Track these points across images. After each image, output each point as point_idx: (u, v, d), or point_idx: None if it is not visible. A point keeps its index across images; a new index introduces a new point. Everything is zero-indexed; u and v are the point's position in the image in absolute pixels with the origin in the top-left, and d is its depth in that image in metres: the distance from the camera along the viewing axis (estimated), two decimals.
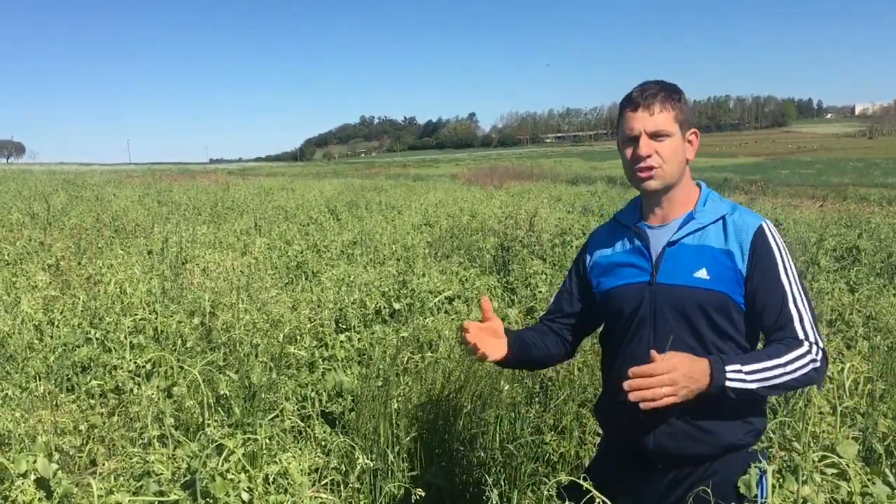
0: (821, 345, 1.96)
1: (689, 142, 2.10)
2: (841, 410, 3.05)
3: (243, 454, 2.40)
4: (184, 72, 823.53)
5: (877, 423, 3.44)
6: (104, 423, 3.37)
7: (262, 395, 3.82)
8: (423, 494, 3.15)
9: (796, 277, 2.02)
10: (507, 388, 3.92)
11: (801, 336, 1.95)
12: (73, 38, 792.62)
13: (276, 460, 2.52)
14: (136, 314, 4.93)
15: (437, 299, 5.98)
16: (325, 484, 2.93)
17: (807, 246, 9.93)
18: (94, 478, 2.28)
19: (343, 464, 3.26)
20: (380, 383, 3.71)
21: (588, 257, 2.33)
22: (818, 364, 1.93)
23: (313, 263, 8.37)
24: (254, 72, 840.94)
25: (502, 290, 7.04)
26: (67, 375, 4.20)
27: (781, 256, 2.01)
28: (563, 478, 2.11)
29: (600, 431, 2.71)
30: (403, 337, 4.73)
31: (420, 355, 4.42)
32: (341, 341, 4.76)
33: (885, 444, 3.31)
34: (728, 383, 1.82)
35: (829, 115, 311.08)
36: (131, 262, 7.38)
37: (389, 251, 9.47)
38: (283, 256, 8.81)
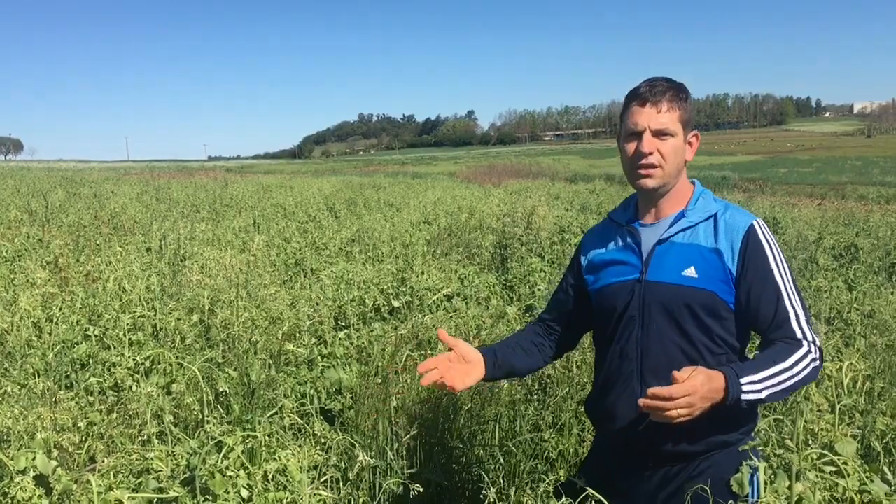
0: (816, 342, 1.98)
1: (690, 143, 2.09)
2: (839, 408, 3.05)
3: (242, 451, 2.40)
4: (182, 69, 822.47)
5: (875, 421, 3.45)
6: (103, 421, 3.37)
7: (262, 393, 3.82)
8: (422, 491, 3.16)
9: (789, 274, 2.02)
10: (505, 385, 3.92)
11: (800, 335, 1.95)
12: (71, 35, 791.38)
13: (276, 457, 2.52)
14: (134, 311, 4.93)
15: (435, 297, 5.98)
16: (325, 481, 2.93)
17: (805, 244, 9.94)
18: (94, 475, 2.28)
19: (342, 461, 3.26)
20: (379, 381, 3.71)
21: (583, 256, 2.33)
22: (817, 362, 1.95)
23: (312, 261, 8.37)
24: (252, 69, 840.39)
25: (501, 287, 7.04)
26: (66, 372, 4.19)
27: (773, 254, 2.00)
28: (561, 474, 2.12)
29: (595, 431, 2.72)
30: (402, 334, 4.73)
31: (419, 353, 4.42)
32: (340, 339, 4.77)
33: (884, 442, 3.32)
34: (743, 396, 1.83)
35: (827, 114, 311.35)
36: (130, 260, 7.38)
37: (388, 249, 9.47)
38: (281, 254, 8.80)
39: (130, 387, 3.65)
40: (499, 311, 5.61)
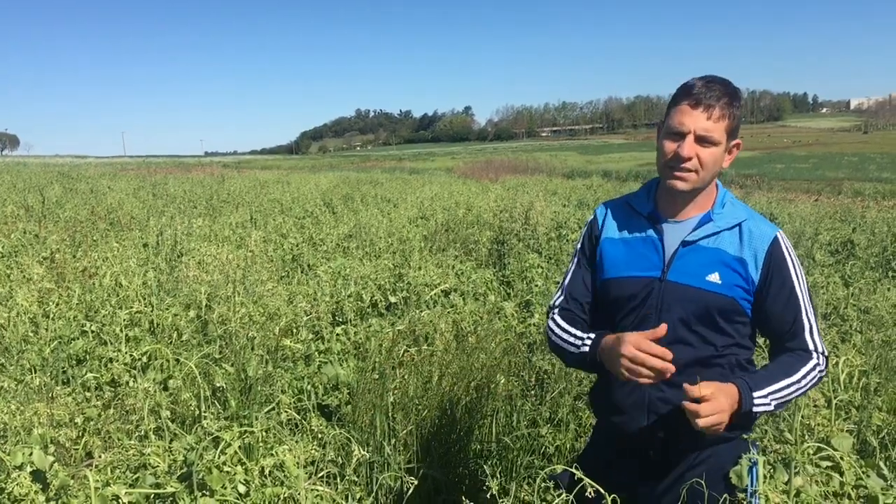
0: (825, 353, 2.03)
1: (730, 151, 2.06)
2: (836, 404, 3.06)
3: (240, 447, 2.40)
4: (179, 65, 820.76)
5: (871, 416, 3.45)
6: (100, 416, 3.37)
7: (259, 388, 3.82)
8: (419, 486, 3.16)
9: (806, 287, 2.05)
10: (502, 381, 3.93)
11: (811, 347, 2.00)
12: (68, 30, 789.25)
13: (273, 453, 2.52)
14: (131, 307, 4.92)
15: (433, 293, 5.98)
16: (322, 476, 2.93)
17: (802, 240, 9.96)
18: (91, 470, 2.28)
19: (339, 456, 3.27)
20: (376, 376, 3.71)
21: (599, 233, 2.25)
22: (823, 373, 2.00)
23: (309, 256, 8.36)
24: (249, 64, 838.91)
25: (498, 283, 7.04)
26: (63, 368, 4.19)
27: (795, 268, 2.03)
28: (557, 466, 2.12)
29: (593, 423, 2.72)
30: (400, 330, 4.73)
31: (416, 348, 4.43)
32: (337, 334, 4.77)
33: (880, 437, 3.33)
34: (755, 409, 1.87)
35: (824, 110, 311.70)
36: (127, 255, 7.37)
37: (385, 244, 9.47)
38: (278, 249, 8.79)
39: (127, 382, 3.64)
40: (496, 307, 5.62)
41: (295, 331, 4.86)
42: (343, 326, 4.99)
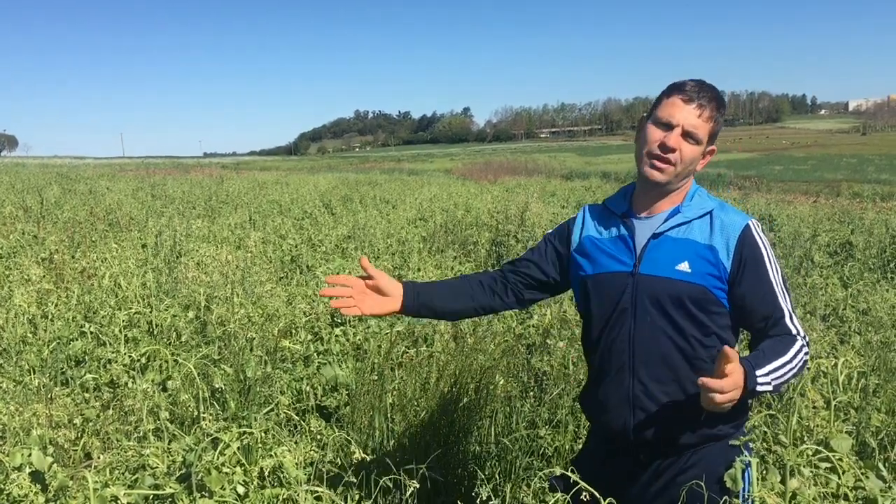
0: (806, 338, 2.02)
1: (704, 156, 2.08)
2: (834, 405, 3.06)
3: (238, 448, 2.40)
4: (178, 65, 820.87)
5: (870, 417, 3.46)
6: (99, 417, 3.37)
7: (258, 389, 3.82)
8: (418, 487, 3.16)
9: (780, 273, 2.05)
10: (501, 382, 3.93)
11: (794, 332, 1.99)
12: (66, 30, 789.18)
13: (272, 454, 2.52)
14: (130, 308, 4.92)
15: None
16: (321, 477, 2.93)
17: (800, 242, 9.96)
18: (90, 471, 2.28)
19: (338, 457, 3.27)
20: (375, 377, 3.71)
21: (576, 233, 2.30)
22: (807, 355, 1.99)
23: (308, 257, 8.36)
24: (248, 65, 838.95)
25: None
26: (62, 369, 4.19)
27: (767, 254, 2.03)
28: (556, 469, 2.12)
29: (589, 426, 2.72)
30: (398, 331, 4.73)
31: (415, 349, 4.43)
32: (336, 335, 4.76)
33: (879, 438, 3.33)
34: (759, 388, 1.84)
35: (822, 111, 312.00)
36: (126, 256, 7.37)
37: (384, 245, 9.47)
38: (277, 250, 8.80)
39: (126, 383, 3.65)
40: None
41: (294, 332, 4.86)
42: (342, 327, 4.99)
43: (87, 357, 4.26)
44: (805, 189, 32.37)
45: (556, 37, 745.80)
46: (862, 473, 2.03)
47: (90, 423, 3.32)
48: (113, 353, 4.10)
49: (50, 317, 4.93)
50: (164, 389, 3.68)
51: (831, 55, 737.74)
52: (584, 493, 1.88)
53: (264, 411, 3.55)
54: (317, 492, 2.51)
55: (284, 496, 2.39)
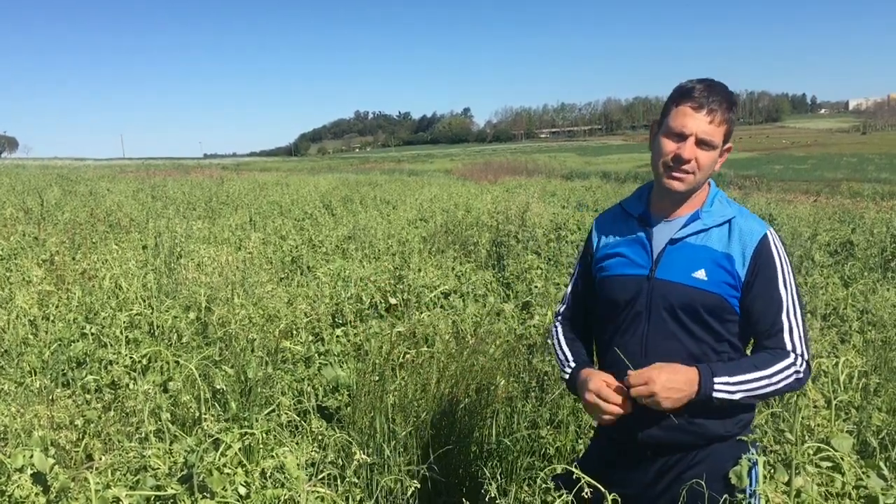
0: (806, 357, 2.00)
1: (721, 155, 2.08)
2: (836, 404, 3.07)
3: (240, 449, 2.40)
4: (178, 67, 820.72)
5: (871, 416, 3.46)
6: (100, 418, 3.37)
7: (259, 390, 3.82)
8: (420, 488, 3.16)
9: (794, 289, 2.03)
10: (503, 382, 3.93)
11: (789, 347, 1.99)
12: (66, 32, 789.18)
13: (273, 455, 2.52)
14: (131, 309, 4.92)
15: (432, 294, 5.99)
16: (322, 478, 2.93)
17: (801, 241, 9.96)
18: (91, 472, 2.28)
19: (340, 458, 3.27)
20: (376, 378, 3.71)
21: (594, 244, 2.32)
22: (801, 375, 1.98)
23: (309, 258, 8.37)
24: (248, 66, 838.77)
25: (498, 284, 7.04)
26: (63, 370, 4.19)
27: (782, 267, 2.02)
28: (557, 466, 2.12)
29: (594, 424, 2.72)
30: (399, 332, 4.73)
31: (416, 350, 4.43)
32: (337, 336, 4.77)
33: (880, 437, 3.33)
34: (715, 394, 1.90)
35: (822, 111, 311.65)
36: (126, 257, 7.36)
37: (385, 246, 9.47)
38: (278, 251, 8.80)
39: (127, 384, 3.65)
40: (496, 309, 5.62)
41: (295, 333, 4.86)
42: (343, 328, 4.99)
43: (88, 358, 4.26)
44: (805, 188, 32.36)
45: (555, 37, 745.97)
46: (863, 472, 2.04)
47: (91, 425, 3.32)
48: (114, 354, 4.10)
49: (51, 318, 4.93)
50: (166, 390, 3.68)
51: (831, 54, 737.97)
52: (585, 491, 1.89)
53: (265, 412, 3.55)
54: (318, 492, 2.51)
55: (286, 497, 2.39)
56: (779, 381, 1.93)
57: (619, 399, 2.00)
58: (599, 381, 2.05)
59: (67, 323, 4.85)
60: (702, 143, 1.98)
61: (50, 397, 3.57)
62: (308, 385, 4.03)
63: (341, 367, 4.25)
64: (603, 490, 1.86)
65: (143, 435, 3.15)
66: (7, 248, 8.18)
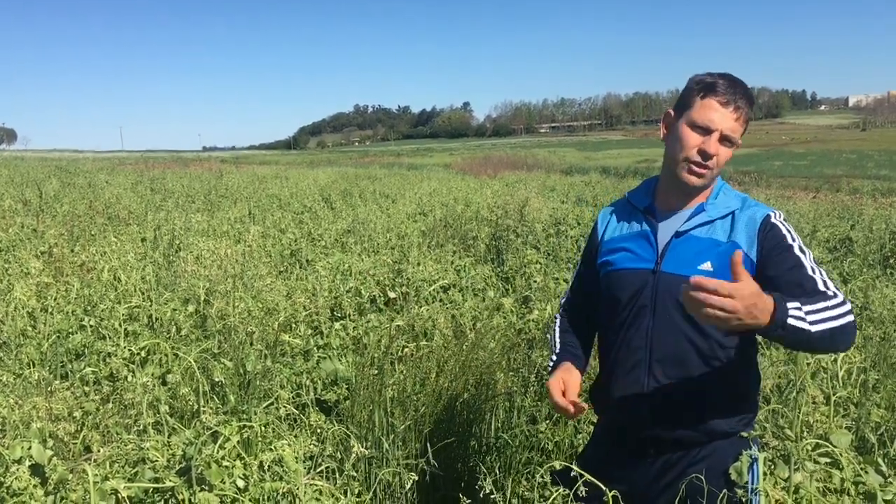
0: (846, 301, 1.84)
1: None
2: (834, 400, 3.07)
3: (238, 441, 2.40)
4: (177, 59, 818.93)
5: (870, 412, 3.46)
6: (99, 410, 3.36)
7: (257, 383, 3.82)
8: (418, 481, 3.16)
9: (808, 254, 1.96)
10: (501, 377, 3.93)
11: (832, 293, 1.83)
12: (66, 24, 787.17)
13: (272, 448, 2.52)
14: (130, 302, 4.92)
15: (432, 288, 5.98)
16: (321, 471, 2.93)
17: (800, 237, 9.96)
18: (89, 464, 2.28)
19: (338, 451, 3.27)
20: (375, 372, 3.71)
21: (599, 237, 2.31)
22: (851, 315, 1.81)
23: (308, 252, 8.36)
24: (248, 59, 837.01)
25: (497, 279, 7.04)
26: (61, 362, 4.18)
27: (791, 236, 1.98)
28: (556, 463, 2.12)
29: (594, 420, 2.72)
30: (398, 326, 4.73)
31: (415, 344, 4.42)
32: (336, 330, 4.77)
33: (878, 433, 3.33)
34: (789, 321, 1.68)
35: (822, 107, 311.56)
36: (125, 250, 7.36)
37: (384, 240, 9.47)
38: (277, 244, 8.79)
39: (126, 377, 3.64)
40: (495, 303, 5.62)
41: (294, 326, 4.86)
42: (342, 322, 4.99)
43: (86, 350, 4.26)
44: (804, 184, 32.37)
45: (555, 32, 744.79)
46: (861, 468, 2.04)
47: (90, 417, 3.31)
48: (113, 346, 4.09)
49: (49, 310, 4.93)
50: (164, 383, 3.67)
51: (832, 51, 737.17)
52: (582, 490, 1.89)
53: (264, 405, 3.54)
54: (316, 485, 2.51)
55: (284, 490, 2.39)
56: (843, 315, 1.77)
57: (559, 402, 2.08)
58: (556, 380, 2.13)
59: (66, 315, 4.85)
60: (725, 140, 1.98)
61: (48, 389, 3.57)
62: (307, 378, 4.03)
63: (340, 360, 4.25)
64: (603, 487, 1.85)
65: (141, 427, 3.15)
66: (6, 240, 8.17)
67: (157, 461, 2.43)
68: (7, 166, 31.26)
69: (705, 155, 1.97)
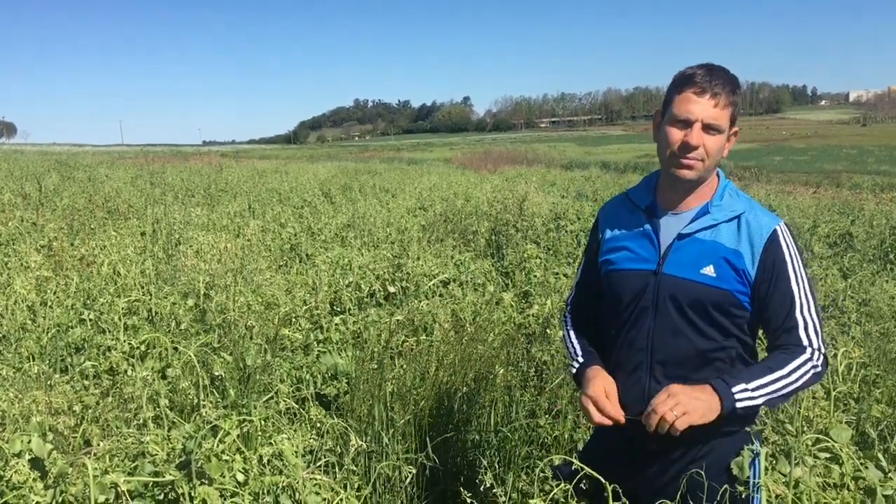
0: (823, 350, 1.98)
1: (728, 139, 2.05)
2: (834, 395, 3.07)
3: (238, 435, 2.40)
4: (177, 53, 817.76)
5: (870, 408, 3.46)
6: (98, 404, 3.36)
7: (257, 377, 3.82)
8: (417, 475, 3.17)
9: (806, 283, 2.00)
10: (501, 371, 3.93)
11: (805, 343, 1.97)
12: (65, 17, 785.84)
13: (271, 442, 2.52)
14: (129, 295, 4.92)
15: (431, 283, 5.98)
16: (320, 465, 2.94)
17: (800, 232, 9.96)
18: (89, 458, 2.28)
19: (338, 445, 3.27)
20: (374, 366, 3.71)
21: (600, 235, 2.29)
22: (818, 369, 1.97)
23: (307, 246, 8.36)
24: (248, 54, 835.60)
25: (497, 273, 7.04)
26: (61, 356, 4.19)
27: (793, 262, 1.99)
28: (556, 458, 2.12)
29: None
30: (398, 320, 4.73)
31: (415, 338, 4.42)
32: (336, 324, 4.76)
33: (879, 429, 3.33)
34: (738, 405, 1.87)
35: (823, 102, 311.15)
36: (125, 244, 7.36)
37: (384, 234, 9.47)
38: (277, 239, 8.79)
39: (126, 371, 3.64)
40: (495, 298, 5.62)
41: (293, 320, 4.86)
42: (342, 316, 4.99)
43: (86, 344, 4.26)
44: (805, 180, 32.34)
45: (556, 26, 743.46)
46: (861, 464, 2.04)
47: (90, 411, 3.31)
48: (112, 340, 4.09)
49: (49, 304, 4.93)
50: (164, 377, 3.67)
51: (832, 46, 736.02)
52: (584, 482, 1.88)
53: (264, 399, 3.55)
54: (316, 479, 2.52)
55: (284, 483, 2.39)
56: (797, 379, 1.91)
57: (612, 411, 2.02)
58: (599, 389, 2.06)
59: (66, 309, 4.85)
60: (708, 128, 1.95)
61: (48, 383, 3.57)
62: (307, 372, 4.03)
63: (340, 354, 4.25)
64: (604, 482, 1.85)
65: (141, 421, 3.15)
66: (5, 234, 8.17)
67: (156, 455, 2.43)
68: (7, 160, 31.25)
69: (687, 146, 1.96)
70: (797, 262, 2.00)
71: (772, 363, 1.94)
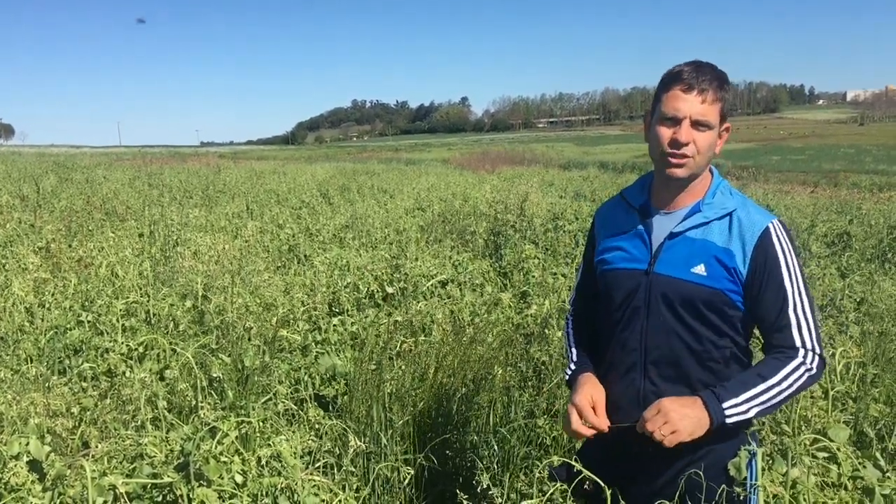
0: (818, 351, 1.95)
1: (720, 136, 2.03)
2: (832, 395, 3.07)
3: (236, 437, 2.40)
4: (175, 55, 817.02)
5: (868, 407, 3.46)
6: (97, 406, 3.36)
7: (256, 379, 3.82)
8: (416, 476, 3.17)
9: (800, 282, 1.98)
10: (500, 372, 3.93)
11: (798, 343, 1.94)
12: (63, 19, 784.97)
13: (270, 443, 2.52)
14: (127, 297, 4.92)
15: (430, 283, 5.98)
16: (319, 466, 2.94)
17: (798, 232, 9.97)
18: (88, 460, 2.28)
19: (336, 447, 3.27)
20: (373, 367, 3.71)
21: (596, 236, 2.29)
22: (813, 372, 1.94)
23: (306, 247, 8.36)
24: (245, 55, 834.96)
25: (495, 274, 7.04)
26: (59, 358, 4.18)
27: (786, 260, 1.97)
28: (555, 458, 2.11)
29: None
30: (397, 321, 4.73)
31: (413, 339, 4.42)
32: (334, 325, 4.76)
33: (877, 428, 3.34)
34: (728, 420, 1.87)
35: (820, 102, 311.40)
36: (122, 245, 7.35)
37: (382, 235, 9.46)
38: (275, 240, 8.79)
39: (124, 372, 3.64)
40: (493, 298, 5.62)
41: (292, 321, 4.85)
42: (340, 317, 4.99)
43: (84, 346, 4.25)
44: (802, 179, 32.38)
45: (554, 26, 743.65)
46: (859, 463, 2.04)
47: (88, 413, 3.31)
48: (110, 342, 4.09)
49: (47, 306, 4.92)
50: (162, 379, 3.67)
51: (830, 45, 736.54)
52: (587, 483, 1.88)
53: (262, 401, 3.54)
54: (315, 480, 2.52)
55: (282, 485, 2.39)
56: (791, 385, 1.89)
57: (594, 420, 2.03)
58: (586, 397, 2.07)
59: (64, 310, 4.84)
60: (697, 125, 1.94)
61: (46, 385, 3.57)
62: (305, 374, 4.03)
63: (338, 356, 4.25)
64: (602, 484, 1.84)
65: (139, 423, 3.15)
66: (3, 236, 8.16)
67: (155, 457, 2.43)
68: (4, 161, 31.20)
69: (675, 144, 1.95)
70: (791, 260, 1.98)
71: (763, 370, 1.92)
